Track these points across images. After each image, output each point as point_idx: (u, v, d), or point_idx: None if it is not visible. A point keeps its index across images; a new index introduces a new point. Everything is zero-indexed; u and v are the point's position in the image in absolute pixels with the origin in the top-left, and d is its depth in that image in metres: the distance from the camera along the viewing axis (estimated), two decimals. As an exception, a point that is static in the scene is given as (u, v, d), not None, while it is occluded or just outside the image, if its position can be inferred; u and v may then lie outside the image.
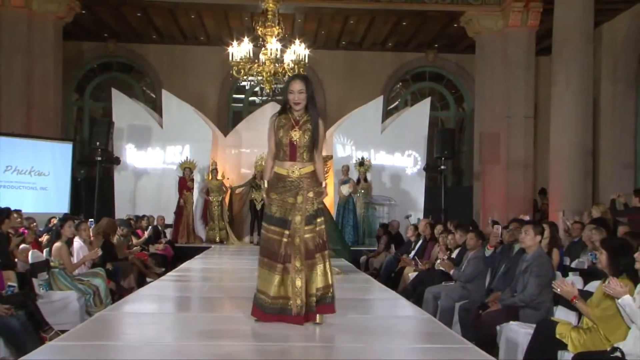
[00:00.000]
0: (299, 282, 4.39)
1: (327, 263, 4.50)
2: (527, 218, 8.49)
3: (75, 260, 7.27)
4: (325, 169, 14.06)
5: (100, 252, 7.57)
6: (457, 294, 6.73)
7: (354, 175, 13.99)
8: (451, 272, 7.08)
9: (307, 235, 4.44)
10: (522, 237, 5.66)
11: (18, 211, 7.95)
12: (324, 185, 4.65)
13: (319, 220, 4.50)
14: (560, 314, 5.25)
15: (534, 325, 4.84)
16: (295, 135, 4.53)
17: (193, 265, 9.39)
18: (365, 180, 13.95)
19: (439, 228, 9.14)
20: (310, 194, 4.51)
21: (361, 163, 14.02)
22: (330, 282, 4.48)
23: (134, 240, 10.55)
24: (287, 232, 4.44)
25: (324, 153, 14.52)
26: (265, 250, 4.52)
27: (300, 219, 4.45)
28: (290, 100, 4.55)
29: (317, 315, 4.40)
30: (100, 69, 17.34)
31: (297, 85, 4.55)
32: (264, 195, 4.66)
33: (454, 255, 7.82)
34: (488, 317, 5.56)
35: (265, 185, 4.66)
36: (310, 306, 4.39)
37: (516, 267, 5.75)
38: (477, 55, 14.66)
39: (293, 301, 4.37)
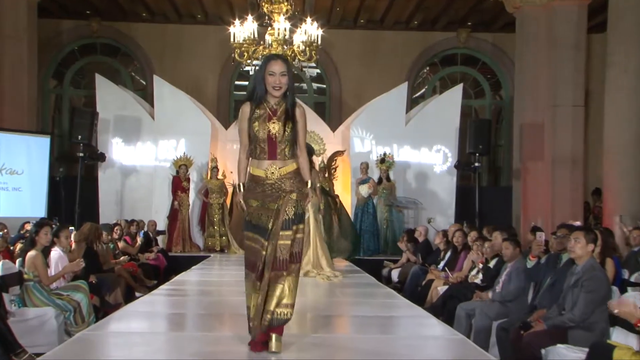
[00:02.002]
0: (259, 298, 4.29)
1: (297, 278, 4.41)
2: (577, 223, 8.41)
3: (52, 272, 7.28)
4: (334, 165, 14.09)
5: (83, 264, 7.57)
6: (495, 311, 6.68)
7: (374, 173, 13.95)
8: (489, 295, 7.02)
9: (282, 242, 4.33)
10: (571, 245, 5.60)
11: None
12: (308, 184, 4.53)
13: (300, 227, 4.41)
14: (618, 336, 5.17)
15: (586, 350, 4.79)
16: (274, 127, 4.40)
17: (189, 277, 9.40)
18: (388, 179, 13.92)
19: (472, 235, 9.09)
20: (293, 196, 4.40)
21: (382, 160, 13.99)
22: (294, 300, 4.38)
23: (120, 246, 10.58)
24: (265, 242, 4.34)
25: (336, 146, 14.65)
26: (246, 261, 4.48)
27: (277, 223, 4.34)
28: (269, 83, 4.40)
29: (273, 337, 4.30)
30: (82, 51, 17.39)
31: (279, 66, 4.41)
32: (241, 202, 4.51)
33: (490, 265, 7.78)
34: (531, 339, 5.51)
35: (241, 189, 4.53)
36: (262, 326, 4.26)
37: (564, 280, 5.70)
38: (517, 34, 14.56)
39: (254, 322, 4.30)
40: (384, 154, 14.12)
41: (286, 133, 4.40)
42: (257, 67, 4.83)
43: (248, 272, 4.43)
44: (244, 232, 4.51)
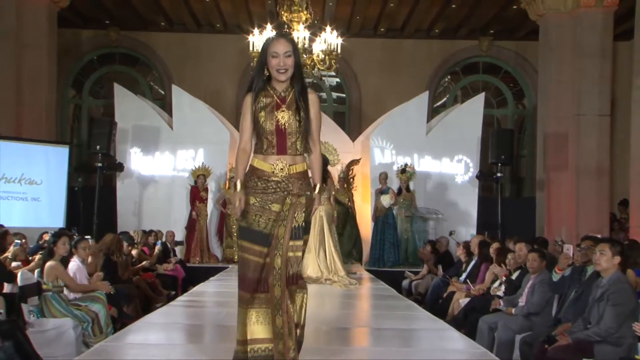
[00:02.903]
0: (279, 320, 3.83)
1: (306, 294, 3.99)
2: (599, 236, 8.34)
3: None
4: (352, 174, 14.08)
5: (112, 289, 7.64)
6: (518, 325, 6.64)
7: (393, 184, 13.93)
8: (512, 311, 6.97)
9: (292, 254, 3.89)
10: (596, 257, 5.56)
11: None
12: (317, 188, 4.07)
13: (307, 238, 4.00)
14: (646, 351, 5.13)
15: (613, 364, 4.74)
16: (284, 117, 3.96)
17: (207, 288, 9.42)
18: (408, 189, 13.88)
19: (495, 246, 9.03)
20: (302, 200, 3.95)
21: (403, 170, 13.95)
22: (304, 321, 3.99)
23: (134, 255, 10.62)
24: (265, 250, 3.89)
25: (356, 156, 14.66)
26: (240, 279, 3.96)
27: (285, 231, 3.88)
28: (273, 66, 3.96)
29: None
30: (101, 61, 17.56)
31: (282, 46, 3.97)
32: (236, 203, 4.01)
33: (513, 277, 7.74)
34: (556, 353, 5.47)
35: (238, 187, 4.01)
36: (292, 346, 3.82)
37: (589, 293, 5.66)
38: (541, 42, 14.50)
39: (274, 346, 3.83)
40: (405, 165, 14.09)
41: (297, 123, 3.97)
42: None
43: (242, 293, 3.91)
44: (238, 241, 4.03)
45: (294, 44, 4.05)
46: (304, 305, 3.95)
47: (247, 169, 4.03)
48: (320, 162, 4.16)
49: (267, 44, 4.04)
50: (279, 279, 3.85)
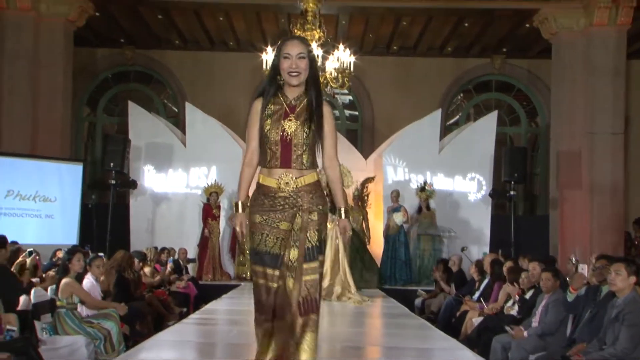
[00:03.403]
0: (292, 348, 3.58)
1: (317, 333, 3.65)
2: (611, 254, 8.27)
3: (84, 300, 7.34)
4: (366, 192, 14.06)
5: (126, 309, 7.65)
6: (532, 345, 6.57)
7: (405, 201, 13.90)
8: (525, 333, 6.91)
9: (308, 278, 3.61)
10: (611, 277, 5.50)
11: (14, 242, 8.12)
12: (342, 212, 3.77)
13: (323, 258, 3.68)
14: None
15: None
16: (290, 127, 3.66)
17: (219, 306, 9.42)
18: (428, 208, 13.84)
19: (507, 265, 8.97)
20: (314, 216, 3.65)
21: (422, 188, 13.91)
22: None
23: (145, 271, 10.63)
24: (277, 272, 3.62)
25: (369, 174, 14.66)
26: (256, 303, 3.72)
27: (298, 252, 3.60)
28: (285, 69, 3.68)
29: None
30: (116, 79, 17.67)
31: (296, 47, 3.70)
32: (237, 227, 3.76)
33: (527, 296, 7.68)
34: (570, 374, 5.41)
35: (240, 208, 3.76)
36: None
37: (604, 313, 5.59)
38: (554, 60, 14.49)
39: None
40: (424, 183, 14.04)
41: (305, 135, 3.64)
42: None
43: (257, 315, 3.70)
44: (252, 266, 3.75)
45: (308, 46, 3.77)
46: (315, 345, 3.61)
47: (255, 187, 3.79)
48: (341, 183, 3.87)
49: (280, 45, 3.76)
50: (291, 304, 3.58)
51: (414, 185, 14.46)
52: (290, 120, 3.67)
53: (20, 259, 8.14)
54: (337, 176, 3.80)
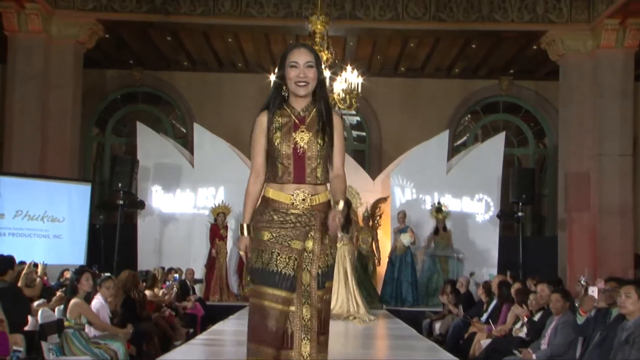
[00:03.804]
0: None
1: (327, 353, 3.47)
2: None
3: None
4: (379, 213, 14.03)
5: (130, 334, 7.64)
6: (541, 368, 6.51)
7: (417, 222, 13.88)
8: (533, 356, 6.85)
9: (320, 304, 3.40)
10: (621, 300, 5.46)
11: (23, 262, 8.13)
12: (340, 204, 3.39)
13: (330, 285, 3.48)
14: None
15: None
16: (303, 139, 3.43)
17: (226, 326, 9.39)
18: (444, 229, 13.81)
19: (516, 286, 8.92)
20: (326, 240, 3.43)
21: (439, 209, 13.87)
22: None
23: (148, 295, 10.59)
24: (294, 296, 3.35)
25: (376, 195, 14.65)
26: (255, 331, 3.39)
27: (310, 278, 3.37)
28: (292, 79, 3.46)
29: None
30: (124, 100, 17.76)
31: (303, 55, 3.47)
32: (242, 245, 3.46)
33: (535, 318, 7.63)
34: (580, 397, 5.35)
35: (245, 232, 3.47)
36: None
37: (614, 336, 5.54)
38: (561, 82, 14.51)
39: None
40: (439, 203, 14.00)
41: (319, 147, 3.42)
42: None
43: (255, 347, 3.37)
44: (253, 286, 3.43)
45: (316, 55, 3.54)
46: None
47: (259, 201, 3.51)
48: (346, 183, 3.58)
49: (286, 53, 3.53)
50: (307, 332, 3.32)
51: (422, 206, 14.43)
52: (302, 132, 3.44)
53: (25, 270, 8.13)
54: (342, 189, 3.50)
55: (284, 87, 3.54)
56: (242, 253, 3.50)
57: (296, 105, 3.51)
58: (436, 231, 13.77)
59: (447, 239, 13.81)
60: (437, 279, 13.47)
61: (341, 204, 3.40)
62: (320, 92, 3.54)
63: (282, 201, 3.41)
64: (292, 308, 3.33)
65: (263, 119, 3.52)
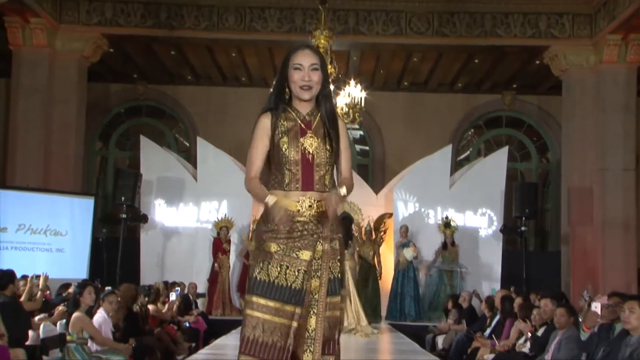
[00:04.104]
0: None
1: None
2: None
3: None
4: (384, 228, 14.01)
5: (133, 345, 7.62)
6: (545, 383, 6.48)
7: (421, 237, 13.85)
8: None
9: (330, 313, 3.21)
10: (625, 315, 5.44)
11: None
12: (343, 191, 3.23)
13: (344, 292, 3.47)
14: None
15: None
16: (311, 145, 3.27)
17: (229, 341, 9.35)
18: (453, 244, 13.78)
19: (518, 302, 8.89)
20: (335, 245, 3.27)
21: (447, 224, 13.84)
22: None
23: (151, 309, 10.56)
24: (299, 310, 3.16)
25: (379, 209, 14.62)
26: (253, 346, 3.22)
27: (319, 285, 3.17)
28: (296, 81, 3.29)
29: None
30: (128, 113, 17.80)
31: (308, 57, 3.30)
32: (277, 207, 3.20)
33: (539, 333, 7.59)
34: (584, 414, 5.32)
35: (270, 201, 3.23)
36: None
37: (618, 352, 5.51)
38: (564, 96, 14.52)
39: None
40: (447, 218, 13.97)
41: (328, 154, 3.28)
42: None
43: None
44: (252, 297, 3.20)
45: (321, 57, 3.37)
46: None
47: (263, 209, 3.31)
48: (353, 186, 3.41)
49: (290, 55, 3.35)
50: (310, 345, 3.13)
51: (425, 220, 14.41)
52: (311, 137, 3.27)
53: (28, 284, 8.11)
54: (348, 184, 3.35)
55: (286, 89, 3.38)
56: (280, 215, 3.18)
57: (301, 109, 3.35)
58: (444, 246, 13.73)
59: (455, 254, 13.77)
60: (444, 294, 13.42)
61: (343, 190, 3.28)
62: (325, 96, 3.37)
63: (288, 208, 3.22)
64: (295, 323, 3.16)
65: (266, 121, 3.35)
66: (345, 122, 3.56)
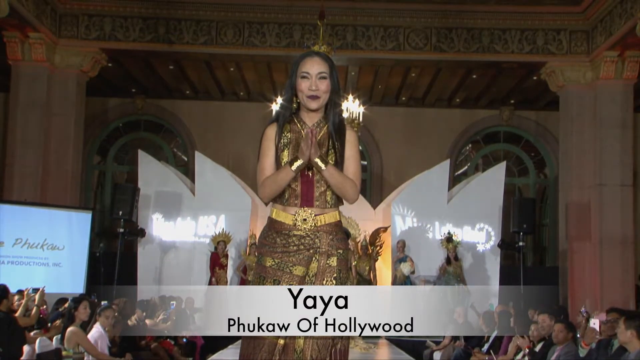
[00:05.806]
0: None
1: None
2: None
3: (89, 349, 7.27)
4: (379, 242, 13.99)
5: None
6: (543, 400, 6.45)
7: (419, 252, 13.83)
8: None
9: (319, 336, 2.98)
10: (621, 331, 5.43)
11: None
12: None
13: None
14: None
15: None
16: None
17: (226, 356, 9.32)
18: (456, 258, 13.74)
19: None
20: (333, 262, 3.09)
21: (449, 239, 13.81)
22: None
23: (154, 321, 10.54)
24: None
25: (377, 224, 14.64)
26: None
27: None
28: (303, 90, 3.13)
29: None
30: (126, 128, 17.81)
31: (316, 65, 3.13)
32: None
33: (537, 349, 7.58)
34: None
35: (296, 164, 3.06)
36: None
37: (616, 368, 5.50)
38: (561, 112, 14.54)
39: None
40: (449, 233, 13.96)
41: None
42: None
43: None
44: None
45: (331, 64, 3.19)
46: None
47: (266, 223, 3.23)
48: (356, 186, 3.23)
49: (298, 61, 3.18)
50: None
51: (423, 235, 14.39)
52: None
53: (25, 299, 8.08)
54: (356, 191, 3.20)
55: (295, 98, 3.21)
56: (311, 152, 3.00)
57: (307, 120, 3.18)
58: (448, 261, 13.71)
59: (460, 268, 13.74)
60: None
61: (330, 166, 3.06)
62: (333, 105, 3.18)
63: (284, 222, 3.12)
64: (282, 341, 3.03)
65: (271, 132, 3.16)
66: (355, 132, 3.33)
